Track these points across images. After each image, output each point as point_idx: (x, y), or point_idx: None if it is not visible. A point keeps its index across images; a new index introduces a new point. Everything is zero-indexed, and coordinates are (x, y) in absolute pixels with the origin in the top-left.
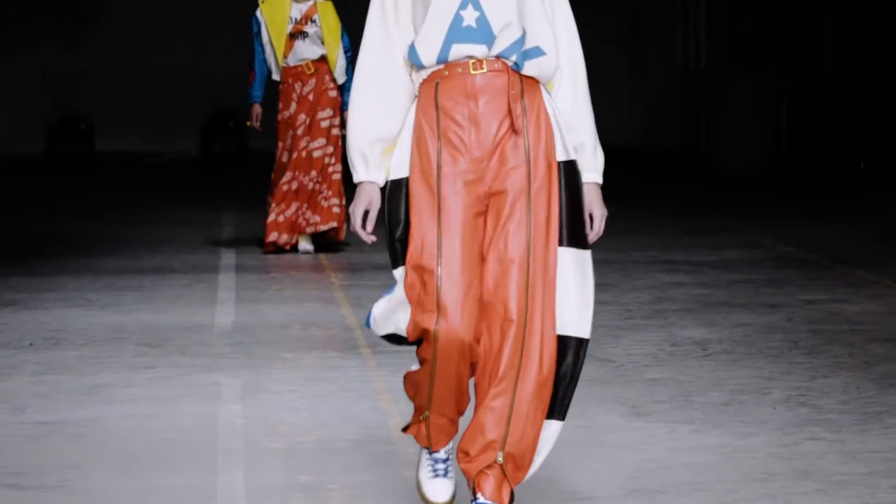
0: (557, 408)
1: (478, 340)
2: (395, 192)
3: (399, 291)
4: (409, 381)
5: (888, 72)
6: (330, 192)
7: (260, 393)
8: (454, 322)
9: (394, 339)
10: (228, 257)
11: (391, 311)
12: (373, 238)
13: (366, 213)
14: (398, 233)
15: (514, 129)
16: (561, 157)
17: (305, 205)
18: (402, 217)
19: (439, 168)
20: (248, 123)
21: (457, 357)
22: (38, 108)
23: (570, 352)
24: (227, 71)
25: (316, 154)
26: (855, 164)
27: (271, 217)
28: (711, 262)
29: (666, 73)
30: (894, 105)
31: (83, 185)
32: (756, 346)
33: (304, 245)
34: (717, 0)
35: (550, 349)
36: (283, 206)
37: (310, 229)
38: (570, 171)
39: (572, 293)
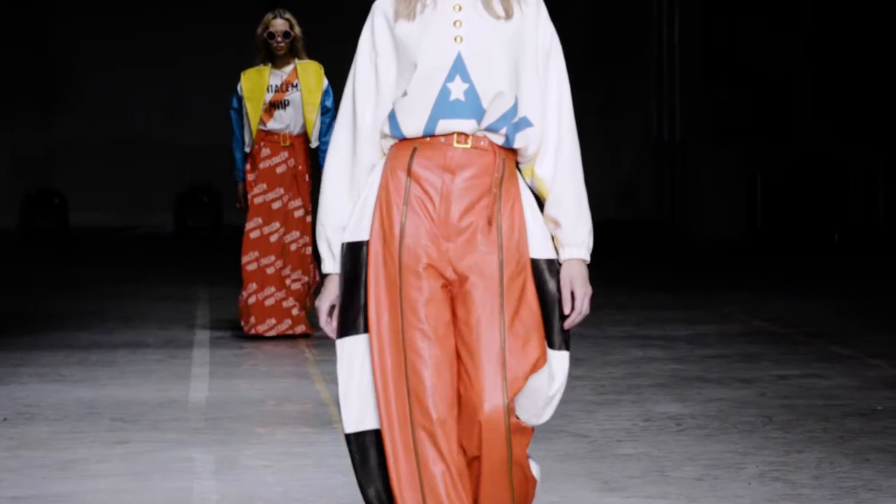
0: None
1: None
2: (353, 255)
3: (346, 371)
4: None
5: (863, 142)
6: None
7: (234, 468)
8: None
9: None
10: (202, 332)
11: (357, 399)
12: (334, 336)
13: (332, 308)
14: (352, 299)
15: (477, 219)
16: (540, 254)
17: (284, 291)
18: (361, 283)
19: (402, 237)
20: (238, 206)
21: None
22: (12, 183)
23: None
24: (201, 145)
25: (293, 247)
26: (829, 236)
27: (251, 300)
28: (685, 337)
29: (641, 146)
30: (868, 176)
31: (57, 259)
32: (730, 421)
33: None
34: (692, 73)
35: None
36: (254, 285)
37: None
38: (549, 268)
39: (535, 392)
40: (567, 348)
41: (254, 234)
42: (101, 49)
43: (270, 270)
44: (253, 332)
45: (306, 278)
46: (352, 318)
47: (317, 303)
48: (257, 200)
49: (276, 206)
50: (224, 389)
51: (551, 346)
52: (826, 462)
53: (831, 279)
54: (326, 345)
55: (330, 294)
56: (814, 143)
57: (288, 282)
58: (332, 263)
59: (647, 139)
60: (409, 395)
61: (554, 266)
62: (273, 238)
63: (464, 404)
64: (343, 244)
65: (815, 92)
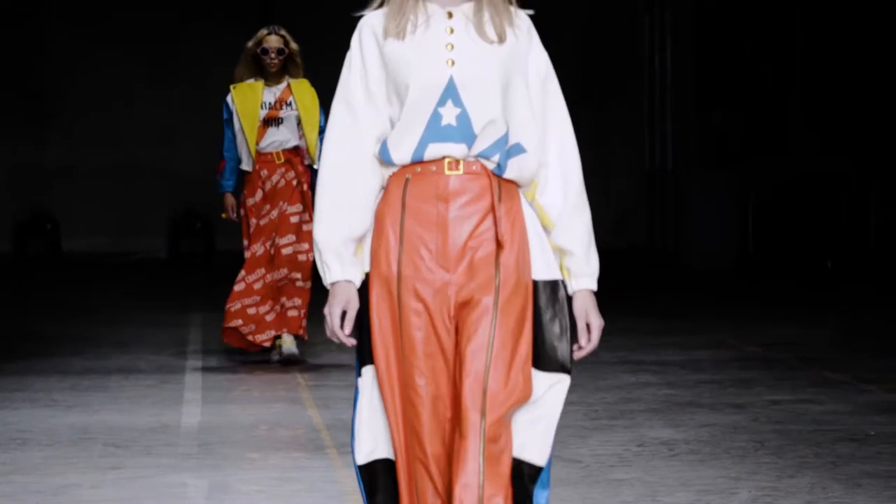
0: None
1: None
2: (363, 288)
3: (366, 401)
4: None
5: (854, 167)
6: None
7: (227, 494)
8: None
9: (372, 473)
10: (195, 357)
11: (372, 428)
12: (352, 341)
13: (344, 314)
14: (361, 332)
15: (476, 245)
16: (540, 275)
17: (279, 306)
18: (365, 317)
19: (400, 274)
20: (223, 216)
21: None
22: (4, 208)
23: (523, 477)
24: (195, 170)
25: (286, 251)
26: (822, 262)
27: (237, 306)
28: (678, 362)
29: (633, 174)
30: (859, 200)
31: (49, 284)
32: (722, 447)
33: (290, 348)
34: (684, 99)
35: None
36: (256, 297)
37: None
38: (551, 290)
39: (537, 419)
40: (565, 371)
41: (247, 255)
42: (94, 73)
43: (258, 286)
44: (250, 337)
45: (301, 283)
46: (361, 349)
47: (326, 309)
48: (262, 222)
49: (293, 220)
50: (216, 414)
51: (542, 368)
52: (818, 487)
53: (824, 304)
54: (319, 370)
55: (341, 299)
56: (805, 168)
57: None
58: (340, 271)
59: (639, 166)
60: (409, 428)
61: (555, 288)
62: (286, 251)
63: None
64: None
65: (807, 116)
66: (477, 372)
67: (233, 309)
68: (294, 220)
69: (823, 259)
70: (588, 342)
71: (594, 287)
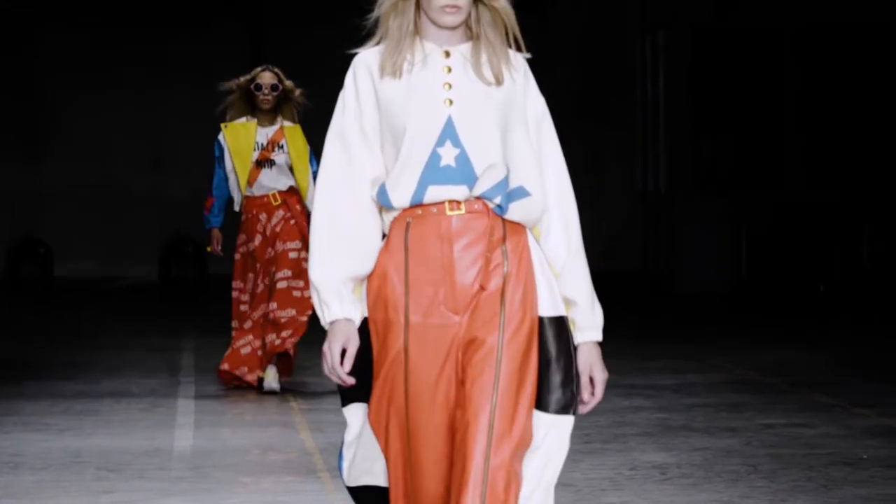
0: None
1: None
2: (363, 335)
3: (354, 432)
4: None
5: (847, 193)
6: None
7: None
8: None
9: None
10: (187, 381)
11: (362, 457)
12: (352, 380)
13: (344, 352)
14: (364, 372)
15: (484, 284)
16: (547, 311)
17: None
18: (369, 360)
19: (407, 320)
20: (209, 249)
21: None
22: None
23: None
24: (186, 195)
25: (280, 285)
26: (814, 286)
27: (236, 344)
28: (671, 386)
29: (626, 199)
30: (852, 226)
31: (41, 309)
32: (715, 470)
33: (271, 383)
34: (678, 123)
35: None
36: (250, 336)
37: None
38: (557, 326)
39: (543, 463)
40: (569, 413)
41: (249, 292)
42: (86, 99)
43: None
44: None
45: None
46: (361, 386)
47: (325, 346)
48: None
49: (292, 255)
50: (209, 438)
51: (545, 408)
52: None
53: (816, 329)
54: (311, 394)
55: (340, 338)
56: (798, 194)
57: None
58: (339, 308)
59: (632, 191)
60: (409, 467)
61: (562, 324)
62: (280, 284)
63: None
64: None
65: (800, 142)
66: (482, 414)
67: (226, 366)
68: (293, 255)
69: (816, 284)
70: (592, 396)
71: (599, 339)
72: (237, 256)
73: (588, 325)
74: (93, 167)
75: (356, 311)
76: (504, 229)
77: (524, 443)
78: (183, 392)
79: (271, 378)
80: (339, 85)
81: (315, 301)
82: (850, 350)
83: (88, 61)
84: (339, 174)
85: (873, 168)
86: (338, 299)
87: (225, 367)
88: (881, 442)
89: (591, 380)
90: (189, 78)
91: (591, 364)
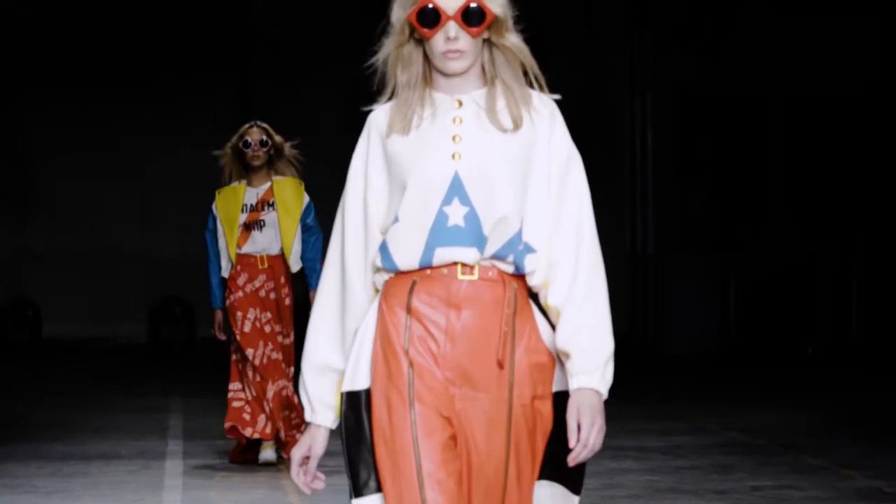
0: None
1: None
2: (354, 409)
3: None
4: None
5: (834, 252)
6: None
7: None
8: None
9: None
10: (175, 443)
11: None
12: (312, 490)
13: (305, 459)
14: (360, 455)
15: (500, 358)
16: (558, 386)
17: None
18: (367, 437)
19: (411, 382)
20: (212, 332)
21: None
22: None
23: None
24: (175, 255)
25: (274, 356)
26: (802, 347)
27: (237, 404)
28: (659, 448)
29: (614, 258)
30: (840, 286)
31: (30, 370)
32: None
33: (267, 455)
34: (665, 182)
35: None
36: (248, 395)
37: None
38: (564, 401)
39: None
40: (573, 490)
41: (257, 362)
42: (72, 158)
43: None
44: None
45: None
46: (364, 477)
47: (291, 452)
48: (246, 328)
49: (279, 339)
50: (197, 500)
51: (567, 485)
52: None
53: (805, 390)
54: None
55: (304, 444)
56: (786, 253)
57: (269, 394)
58: (309, 412)
59: (620, 251)
60: None
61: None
62: (274, 355)
63: None
64: (343, 394)
65: (787, 204)
66: (492, 493)
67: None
68: (280, 339)
69: (804, 345)
70: (577, 442)
71: (594, 385)
72: (226, 305)
73: (579, 370)
74: (81, 227)
75: (328, 417)
76: (515, 304)
77: None
78: (171, 453)
79: (268, 450)
80: (329, 141)
81: (300, 393)
82: (839, 411)
83: (74, 119)
84: (336, 271)
85: (859, 226)
86: (308, 402)
87: (229, 424)
88: None
89: (579, 426)
90: (176, 139)
91: (578, 407)
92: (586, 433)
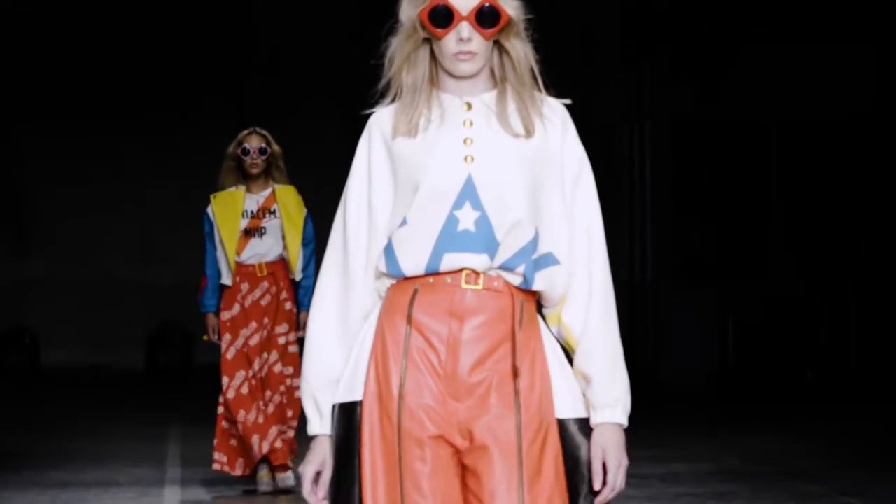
0: None
1: None
2: (345, 418)
3: None
4: None
5: (831, 278)
6: (291, 414)
7: None
8: None
9: None
10: (174, 471)
11: None
12: None
13: (317, 475)
14: (347, 469)
15: (504, 374)
16: (565, 413)
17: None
18: (355, 450)
19: (401, 397)
20: (205, 338)
21: None
22: None
23: None
24: (173, 282)
25: (276, 368)
26: (801, 374)
27: (226, 437)
28: (657, 475)
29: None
30: (840, 315)
31: (28, 397)
32: None
33: (264, 486)
34: (663, 212)
35: None
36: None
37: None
38: (577, 430)
39: None
40: None
41: (230, 394)
42: (71, 186)
43: (271, 409)
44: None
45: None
46: (345, 490)
47: (301, 468)
48: (229, 355)
49: (280, 340)
50: None
51: None
52: None
53: (803, 418)
54: (296, 483)
55: (316, 458)
56: (785, 283)
57: (270, 409)
58: (318, 423)
59: (618, 280)
60: None
61: (587, 427)
62: (244, 390)
63: None
64: (335, 405)
65: (786, 230)
66: (512, 482)
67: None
68: (281, 340)
69: (803, 371)
70: (603, 484)
71: (618, 420)
72: (220, 320)
73: (602, 403)
74: (79, 255)
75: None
76: (522, 316)
77: None
78: (170, 480)
79: (265, 479)
80: (330, 165)
81: (303, 406)
82: (838, 438)
83: (73, 148)
84: (336, 275)
85: (859, 257)
86: (316, 413)
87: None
88: None
89: (604, 466)
90: (174, 168)
91: (603, 447)
92: (613, 476)
